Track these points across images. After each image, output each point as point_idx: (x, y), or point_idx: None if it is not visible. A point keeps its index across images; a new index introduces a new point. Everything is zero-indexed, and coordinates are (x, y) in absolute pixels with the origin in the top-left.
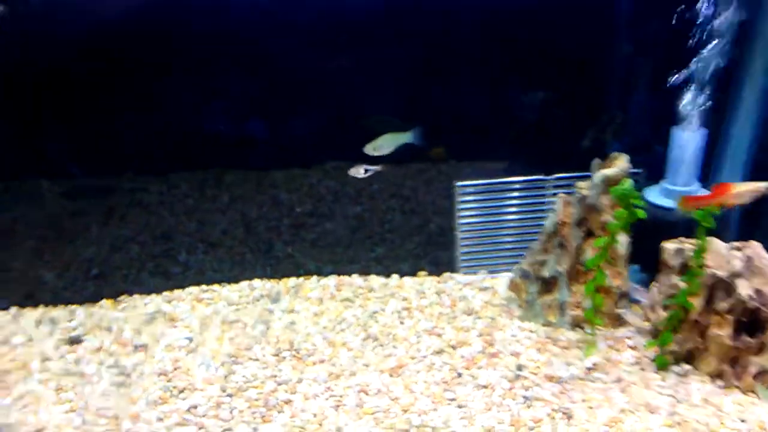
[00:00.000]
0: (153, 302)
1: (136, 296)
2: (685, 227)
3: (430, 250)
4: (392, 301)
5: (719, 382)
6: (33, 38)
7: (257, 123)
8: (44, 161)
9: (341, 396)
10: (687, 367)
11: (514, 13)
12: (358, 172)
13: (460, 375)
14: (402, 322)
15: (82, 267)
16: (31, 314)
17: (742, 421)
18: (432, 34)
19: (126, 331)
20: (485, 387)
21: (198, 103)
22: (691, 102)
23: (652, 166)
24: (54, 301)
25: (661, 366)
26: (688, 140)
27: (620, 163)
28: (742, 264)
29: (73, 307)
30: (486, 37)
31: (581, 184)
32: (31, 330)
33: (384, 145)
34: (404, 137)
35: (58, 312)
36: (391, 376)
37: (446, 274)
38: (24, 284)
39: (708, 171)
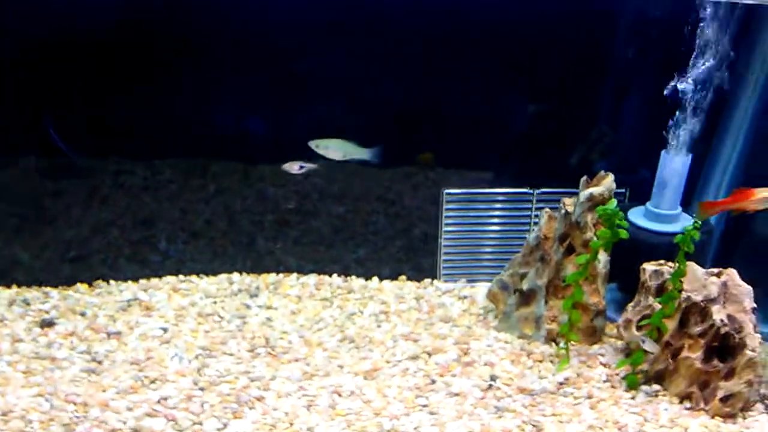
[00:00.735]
0: (129, 289)
1: (112, 282)
2: (665, 251)
3: (412, 256)
4: (371, 304)
5: (687, 404)
6: (20, 13)
7: (248, 115)
8: (28, 138)
9: (314, 396)
10: (657, 387)
11: (510, 24)
12: (292, 167)
13: (433, 382)
14: (379, 326)
15: (59, 249)
16: (4, 294)
17: None
18: (427, 42)
19: (100, 317)
20: (458, 395)
21: (190, 90)
22: (680, 127)
23: (636, 187)
24: (28, 282)
25: (632, 385)
26: (675, 165)
27: (606, 183)
28: (718, 290)
29: (48, 289)
30: (482, 47)
31: (566, 200)
32: (2, 310)
33: (331, 147)
34: (360, 152)
35: (32, 293)
36: (365, 378)
37: (426, 281)
38: None
39: (689, 196)
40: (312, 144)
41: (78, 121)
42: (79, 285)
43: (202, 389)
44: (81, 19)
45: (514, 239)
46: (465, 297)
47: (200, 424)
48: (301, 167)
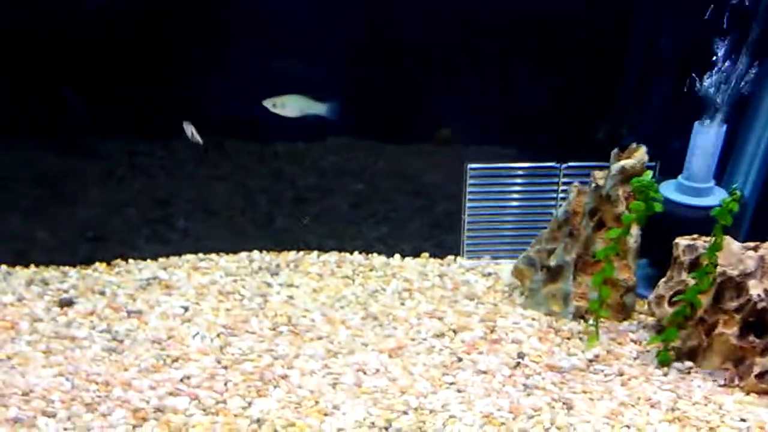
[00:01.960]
0: (148, 268)
1: (131, 261)
2: (698, 224)
3: (435, 233)
4: (393, 281)
5: (721, 381)
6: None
7: (264, 94)
8: (44, 118)
9: (339, 374)
10: (689, 364)
11: None
12: (188, 129)
13: (460, 359)
14: (403, 303)
15: (77, 228)
16: (23, 274)
17: (743, 420)
18: (449, 17)
19: (120, 296)
20: (485, 373)
21: (205, 69)
22: (713, 98)
23: (667, 160)
24: (47, 261)
25: (664, 362)
26: (709, 136)
27: (639, 155)
28: (755, 264)
29: (66, 268)
30: (503, 20)
31: (597, 173)
32: (21, 290)
33: (288, 104)
34: (316, 107)
35: (51, 273)
36: (390, 356)
37: (450, 258)
38: (16, 243)
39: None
40: (268, 103)
41: (93, 102)
42: (97, 264)
43: (225, 368)
44: None
45: (540, 215)
46: (489, 274)
47: (224, 402)
48: (192, 134)
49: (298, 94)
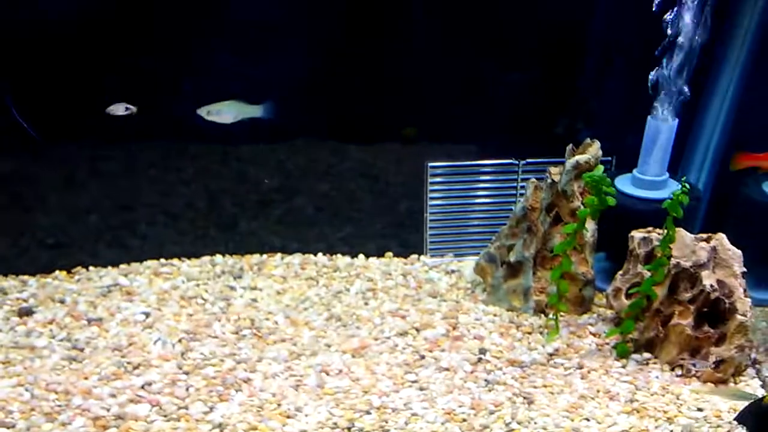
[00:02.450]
0: (109, 275)
1: (92, 268)
2: (652, 217)
3: (398, 232)
4: (357, 282)
5: (678, 371)
6: None
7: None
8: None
9: (302, 376)
10: (647, 355)
11: None
12: (118, 109)
13: (422, 357)
14: (366, 303)
15: (36, 236)
16: None
17: (699, 409)
18: (412, 16)
19: (80, 304)
20: (447, 370)
21: (167, 71)
22: (665, 92)
23: (623, 155)
24: (5, 270)
25: (622, 353)
26: (661, 130)
27: (592, 150)
28: (708, 255)
29: (25, 277)
30: (463, 20)
31: (553, 169)
32: None
33: (224, 111)
34: (252, 110)
35: (9, 282)
36: (353, 356)
37: (413, 256)
38: None
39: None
40: (202, 112)
41: (50, 107)
42: (57, 272)
43: (186, 373)
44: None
45: (501, 212)
46: (452, 271)
47: (186, 408)
48: (127, 108)
49: (235, 99)
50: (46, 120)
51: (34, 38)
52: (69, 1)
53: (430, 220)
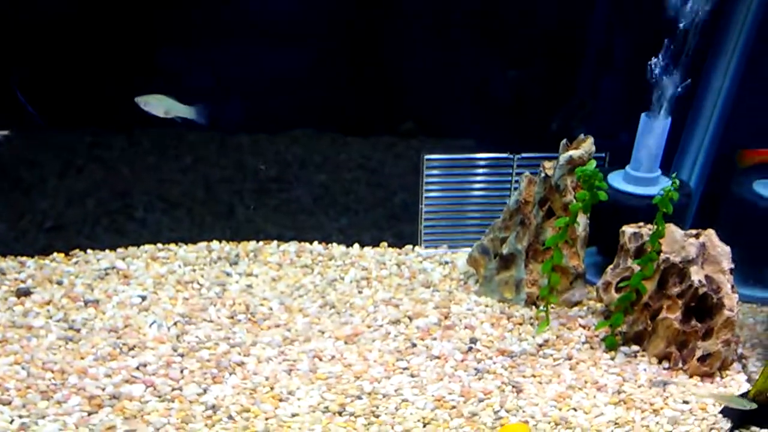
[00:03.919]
0: (107, 258)
1: (89, 251)
2: (645, 213)
3: (393, 223)
4: (352, 270)
5: (666, 364)
6: None
7: (224, 85)
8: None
9: (295, 361)
10: (636, 348)
11: None
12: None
13: (414, 345)
14: (360, 291)
15: (35, 219)
16: None
17: (685, 402)
18: (409, 10)
19: (77, 286)
20: (438, 358)
21: (167, 60)
22: (659, 90)
23: (616, 151)
24: (3, 251)
25: (611, 346)
26: (654, 128)
27: (586, 145)
28: (697, 250)
29: (24, 258)
30: (461, 14)
31: (546, 163)
32: None
33: (153, 104)
34: (182, 110)
35: (8, 263)
36: (346, 343)
37: (408, 247)
38: None
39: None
40: (137, 99)
41: (50, 92)
42: (55, 254)
43: (181, 355)
44: None
45: (495, 205)
46: (446, 263)
47: (180, 389)
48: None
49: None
50: (48, 105)
51: (38, 23)
52: None
53: (425, 212)
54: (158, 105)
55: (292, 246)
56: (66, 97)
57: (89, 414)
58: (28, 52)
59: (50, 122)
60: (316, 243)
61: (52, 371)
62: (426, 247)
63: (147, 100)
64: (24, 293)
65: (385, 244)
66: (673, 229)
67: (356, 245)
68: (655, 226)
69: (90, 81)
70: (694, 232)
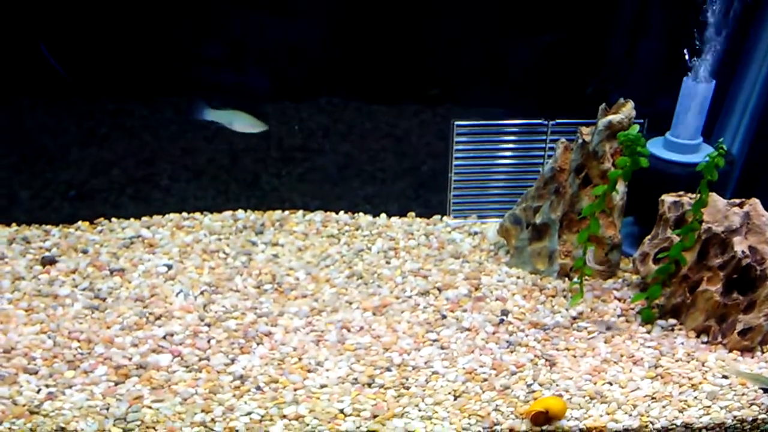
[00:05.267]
0: (132, 227)
1: (114, 220)
2: (685, 181)
3: (421, 192)
4: (379, 241)
5: (704, 338)
6: None
7: (250, 54)
8: (26, 77)
9: (322, 331)
10: (673, 321)
11: None
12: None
13: (444, 317)
14: (388, 262)
15: (59, 187)
16: (4, 232)
17: (725, 377)
18: None
19: (102, 255)
20: (469, 330)
21: (192, 30)
22: (702, 52)
23: (655, 118)
24: (28, 220)
25: (647, 319)
26: (697, 92)
27: (626, 110)
28: (740, 220)
29: (48, 227)
30: None
31: (584, 129)
32: (3, 248)
33: (230, 120)
34: (257, 126)
35: (32, 231)
36: (374, 314)
37: (436, 217)
38: None
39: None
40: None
41: (74, 60)
42: (80, 223)
43: (208, 325)
44: None
45: (528, 173)
46: (475, 233)
47: (207, 359)
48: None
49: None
50: (72, 72)
51: None
52: None
53: (455, 181)
54: (237, 123)
55: (318, 215)
56: (89, 64)
57: (116, 384)
58: (52, 16)
59: (75, 87)
60: (342, 213)
61: (79, 341)
62: (455, 217)
63: (226, 118)
64: (49, 261)
65: (413, 213)
66: (715, 198)
67: (383, 215)
68: (698, 195)
69: (112, 48)
70: (737, 201)
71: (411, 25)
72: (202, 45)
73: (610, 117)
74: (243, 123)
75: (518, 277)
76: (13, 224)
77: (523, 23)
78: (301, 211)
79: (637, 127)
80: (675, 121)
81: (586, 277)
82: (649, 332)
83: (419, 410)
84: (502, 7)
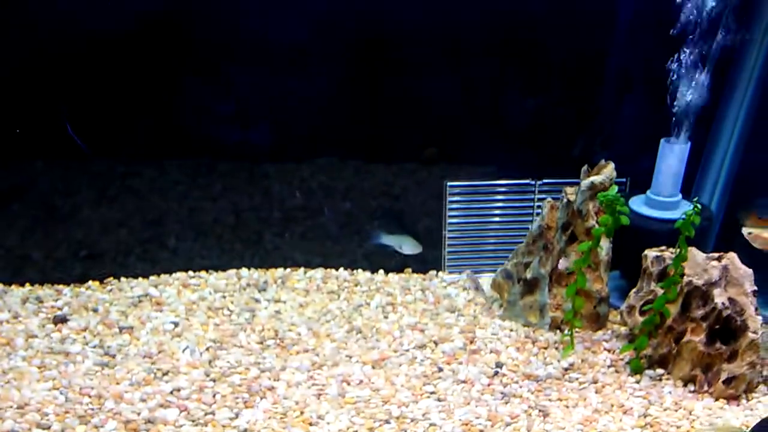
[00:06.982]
0: (140, 286)
1: (123, 279)
2: (666, 237)
3: None
4: (377, 296)
5: (691, 387)
6: (32, 13)
7: (252, 114)
8: (40, 140)
9: (323, 385)
10: (660, 371)
11: (509, 17)
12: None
13: (440, 369)
14: (386, 317)
15: (70, 248)
16: (17, 292)
17: (711, 425)
18: (433, 39)
19: (112, 313)
20: (464, 382)
21: (197, 91)
22: (679, 116)
23: (637, 176)
24: (41, 280)
25: (636, 369)
26: (674, 153)
27: (607, 171)
28: (719, 273)
29: (60, 286)
30: (484, 43)
31: (568, 189)
32: (17, 307)
33: (400, 243)
34: (418, 248)
35: (45, 291)
36: (373, 368)
37: (432, 273)
38: (12, 262)
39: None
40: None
41: (85, 124)
42: (90, 282)
43: (213, 380)
44: (90, 21)
45: (518, 230)
46: (470, 287)
47: (212, 414)
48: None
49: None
50: (83, 136)
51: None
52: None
53: (449, 238)
54: (408, 245)
55: (318, 272)
56: (100, 129)
57: None
58: (69, 86)
59: (88, 153)
60: (341, 269)
61: (89, 396)
62: (450, 273)
63: (400, 244)
64: (61, 320)
65: (410, 269)
66: (695, 253)
67: (381, 271)
68: (678, 250)
69: (122, 112)
70: (716, 255)
71: (407, 89)
72: (206, 110)
73: (592, 178)
74: (409, 246)
75: (511, 330)
76: (27, 284)
77: (515, 87)
78: (302, 269)
79: (615, 188)
80: (654, 179)
81: (577, 329)
82: (638, 382)
83: None
84: (494, 72)
